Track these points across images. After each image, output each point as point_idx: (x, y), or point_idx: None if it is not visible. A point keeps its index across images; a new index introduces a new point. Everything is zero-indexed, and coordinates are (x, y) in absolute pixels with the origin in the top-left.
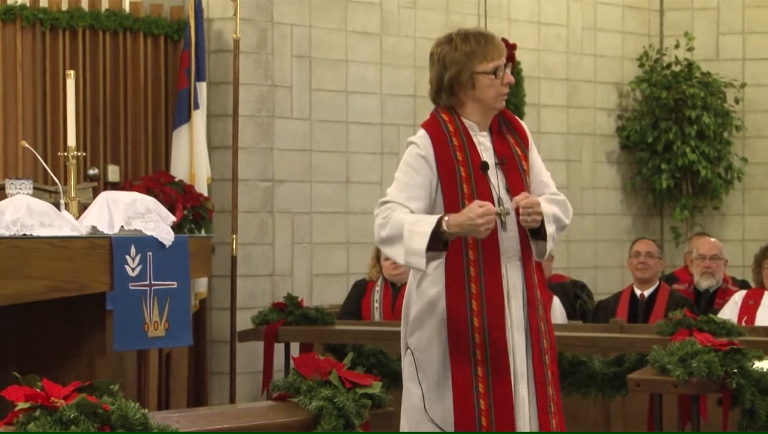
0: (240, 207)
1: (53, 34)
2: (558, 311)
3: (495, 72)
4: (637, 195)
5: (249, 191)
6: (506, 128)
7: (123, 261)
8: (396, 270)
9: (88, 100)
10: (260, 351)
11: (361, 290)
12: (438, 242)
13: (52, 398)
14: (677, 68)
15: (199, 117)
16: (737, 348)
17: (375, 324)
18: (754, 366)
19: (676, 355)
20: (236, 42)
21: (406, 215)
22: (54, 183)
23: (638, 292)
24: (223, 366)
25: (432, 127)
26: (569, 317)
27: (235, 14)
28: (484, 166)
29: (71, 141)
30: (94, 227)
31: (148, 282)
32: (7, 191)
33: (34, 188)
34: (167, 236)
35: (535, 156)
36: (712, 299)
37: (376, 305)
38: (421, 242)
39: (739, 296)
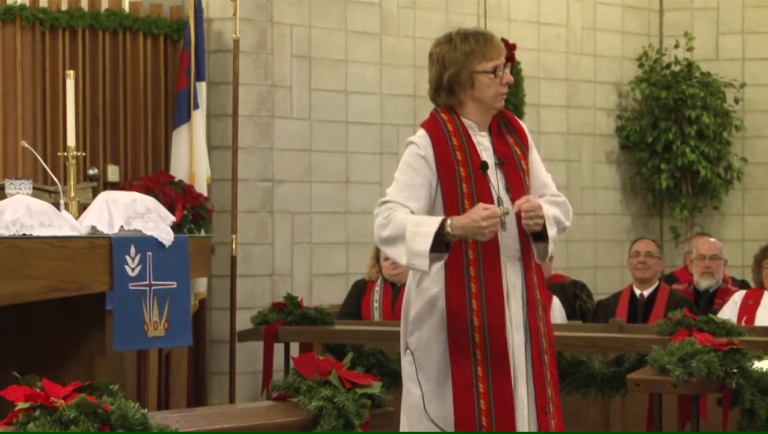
0: (239, 207)
1: (53, 34)
2: (557, 311)
3: (494, 71)
4: (636, 195)
5: (248, 191)
6: (505, 127)
7: (123, 261)
8: (395, 270)
9: (87, 100)
10: (260, 351)
11: (360, 290)
12: (440, 243)
13: (52, 398)
14: (677, 68)
15: (199, 117)
16: (737, 348)
17: (374, 324)
18: (754, 366)
19: (676, 355)
20: (236, 42)
21: (407, 216)
22: (54, 183)
23: (638, 292)
24: (222, 366)
25: (431, 127)
26: (569, 317)
27: (234, 14)
28: (484, 166)
29: (71, 141)
30: (93, 227)
31: (147, 282)
32: (7, 191)
33: (34, 188)
34: (167, 236)
35: (535, 157)
36: (712, 299)
37: (376, 305)
38: (425, 243)
39: (738, 296)
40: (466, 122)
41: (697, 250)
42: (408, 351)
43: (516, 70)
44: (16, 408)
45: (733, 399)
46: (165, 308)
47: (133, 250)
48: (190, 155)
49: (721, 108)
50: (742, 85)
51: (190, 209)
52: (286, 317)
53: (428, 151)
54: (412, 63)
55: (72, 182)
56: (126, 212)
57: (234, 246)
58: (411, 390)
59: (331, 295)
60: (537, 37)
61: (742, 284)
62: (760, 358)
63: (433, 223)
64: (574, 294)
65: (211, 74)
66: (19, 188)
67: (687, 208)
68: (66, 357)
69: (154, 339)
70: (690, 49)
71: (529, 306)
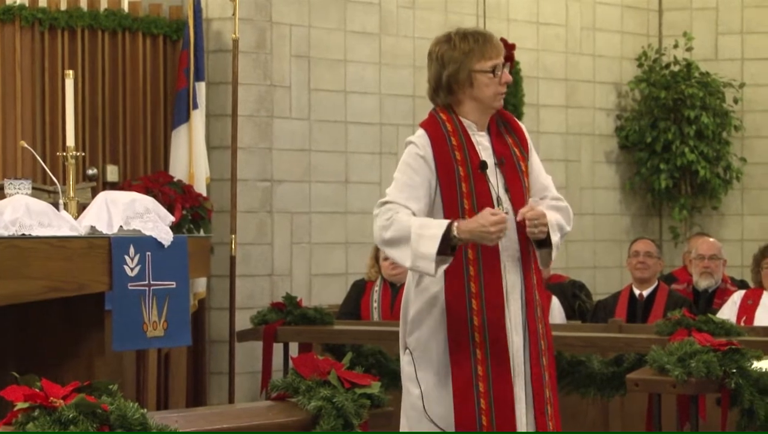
0: (239, 207)
1: (52, 34)
2: (557, 311)
3: (493, 71)
4: (635, 195)
5: (248, 191)
6: (504, 128)
7: (122, 261)
8: (395, 270)
9: (86, 100)
10: (259, 350)
11: (359, 290)
12: (446, 246)
13: (51, 398)
14: (676, 68)
15: (198, 117)
16: (736, 347)
17: (374, 324)
18: (753, 366)
19: (675, 355)
20: (235, 42)
21: (411, 218)
22: (53, 183)
23: (637, 292)
24: (221, 366)
25: (431, 126)
26: (567, 317)
27: (233, 14)
28: (483, 165)
29: (70, 141)
30: (92, 227)
31: (147, 282)
32: (6, 191)
33: (33, 188)
34: (166, 236)
35: (535, 159)
36: (711, 299)
37: (375, 305)
38: (431, 246)
39: (737, 296)
40: (465, 122)
41: (696, 250)
42: (407, 350)
43: (515, 70)
44: (16, 408)
45: (732, 399)
46: (164, 308)
47: (132, 250)
48: (190, 155)
49: (721, 108)
50: (741, 85)
51: (189, 209)
52: (286, 317)
53: (427, 151)
54: (412, 63)
55: (71, 182)
56: (125, 212)
57: (233, 246)
58: (410, 390)
59: (331, 295)
60: (536, 37)
61: (741, 284)
62: (759, 358)
63: (439, 226)
64: (573, 294)
65: (211, 74)
66: (19, 188)
67: (686, 208)
68: (65, 357)
69: (153, 339)
70: (689, 49)
71: (528, 307)
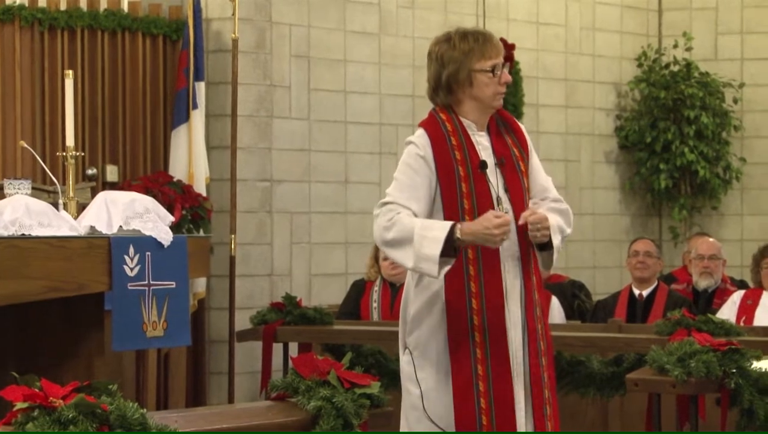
0: (238, 207)
1: (52, 34)
2: (556, 311)
3: (493, 70)
4: (635, 195)
5: (247, 191)
6: (504, 128)
7: (121, 261)
8: (394, 270)
9: (86, 100)
10: (259, 350)
11: (359, 290)
12: (449, 248)
13: (51, 398)
14: (676, 68)
15: (198, 117)
16: (736, 347)
17: (373, 324)
18: (753, 366)
19: (675, 355)
20: (235, 42)
21: (414, 219)
22: (52, 183)
23: (637, 292)
24: (221, 365)
25: (430, 126)
26: (567, 316)
27: (233, 14)
28: (483, 165)
29: (70, 141)
30: (92, 227)
31: (146, 282)
32: (6, 191)
33: (33, 188)
34: (166, 236)
35: (535, 160)
36: (711, 299)
37: (375, 305)
38: (434, 248)
39: (737, 296)
40: (465, 122)
41: (695, 250)
42: (407, 350)
43: (515, 70)
44: (15, 408)
45: (731, 399)
46: (164, 308)
47: (131, 250)
48: (189, 155)
49: (720, 108)
50: (741, 85)
51: (188, 209)
52: (285, 317)
53: (427, 151)
54: (411, 63)
55: (71, 182)
56: (125, 212)
57: (233, 246)
58: (410, 390)
59: (330, 295)
60: (536, 37)
61: (741, 284)
62: (758, 358)
63: (442, 228)
64: (572, 294)
65: (210, 74)
66: (18, 188)
67: (686, 208)
68: (65, 356)
69: (152, 339)
70: (689, 49)
71: (528, 307)
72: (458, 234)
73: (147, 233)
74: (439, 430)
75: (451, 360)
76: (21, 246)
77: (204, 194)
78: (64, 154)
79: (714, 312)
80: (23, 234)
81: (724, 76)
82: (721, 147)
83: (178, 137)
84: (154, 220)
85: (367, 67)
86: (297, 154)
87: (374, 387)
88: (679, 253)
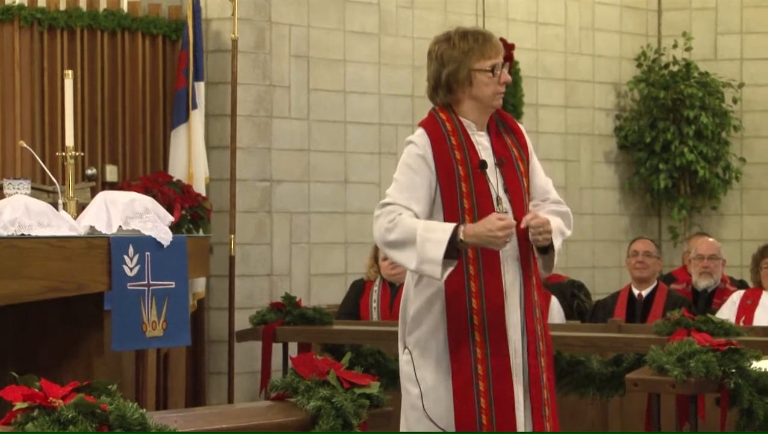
0: (238, 207)
1: (51, 34)
2: (556, 311)
3: (492, 70)
4: (635, 195)
5: (247, 191)
6: (504, 129)
7: (121, 261)
8: (394, 270)
9: (86, 100)
10: (258, 350)
11: (359, 290)
12: (452, 250)
13: (50, 398)
14: (675, 68)
15: (197, 117)
16: (735, 347)
17: (373, 324)
18: (752, 366)
19: (674, 355)
20: (234, 42)
21: (416, 220)
22: (52, 183)
23: (636, 292)
24: (221, 365)
25: (430, 126)
26: (566, 316)
27: (233, 14)
28: (483, 165)
29: (69, 141)
30: (92, 227)
31: (146, 282)
32: (5, 191)
33: (32, 188)
34: (165, 236)
35: (535, 162)
36: (710, 299)
37: (374, 305)
38: (438, 250)
39: (737, 296)
40: (465, 121)
41: (695, 250)
42: (406, 350)
43: (514, 70)
44: (15, 408)
45: (731, 399)
46: (163, 308)
47: (131, 250)
48: (189, 155)
49: (720, 108)
50: (741, 85)
51: (188, 209)
52: (285, 317)
53: (427, 150)
54: (411, 63)
55: (70, 182)
56: (124, 212)
57: (232, 246)
58: (409, 390)
59: (330, 295)
60: (535, 37)
61: (741, 284)
62: (758, 358)
63: (445, 230)
64: (571, 294)
65: (210, 74)
66: (18, 188)
67: (685, 208)
68: (64, 356)
69: (152, 339)
70: (688, 49)
71: (527, 308)
72: (461, 236)
73: (146, 233)
74: (439, 430)
75: (451, 359)
76: (20, 246)
77: (203, 194)
78: (64, 154)
79: (713, 312)
80: (23, 234)
81: (723, 76)
82: (720, 147)
83: (178, 137)
84: (153, 220)
85: (366, 67)
86: (296, 154)
87: (374, 387)
88: (678, 253)
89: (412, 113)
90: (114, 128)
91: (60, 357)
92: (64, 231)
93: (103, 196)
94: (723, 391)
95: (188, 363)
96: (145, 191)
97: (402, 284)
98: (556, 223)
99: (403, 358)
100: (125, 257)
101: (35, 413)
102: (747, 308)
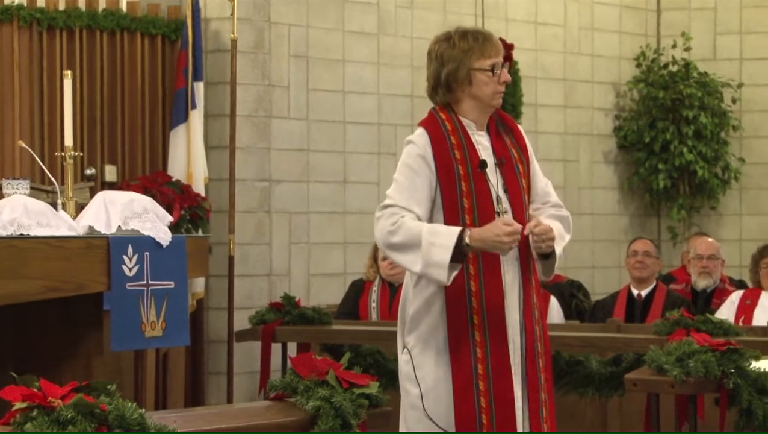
0: (237, 207)
1: (50, 34)
2: (555, 311)
3: (492, 69)
4: (634, 195)
5: (246, 191)
6: (503, 129)
7: (120, 261)
8: (393, 270)
9: (85, 100)
10: (257, 350)
11: (358, 290)
12: (457, 254)
13: (49, 398)
14: (674, 68)
15: (197, 117)
16: (734, 347)
17: (372, 324)
18: (752, 366)
19: (674, 355)
20: (233, 42)
21: (420, 223)
22: (51, 183)
23: (635, 292)
24: (220, 365)
25: (430, 125)
26: (565, 316)
27: (232, 14)
28: (483, 164)
29: (68, 141)
30: (91, 227)
31: (145, 282)
32: (4, 191)
33: (31, 188)
34: (164, 236)
35: (535, 165)
36: (710, 299)
37: (374, 305)
38: (444, 255)
39: (736, 296)
40: (465, 121)
41: (694, 250)
42: (405, 350)
43: (513, 70)
44: (14, 408)
45: (730, 399)
46: (162, 308)
47: (130, 250)
48: (188, 155)
49: (719, 108)
50: (740, 86)
51: (187, 209)
52: (284, 317)
53: (427, 150)
54: (410, 63)
55: (69, 182)
56: (123, 212)
57: (231, 246)
58: (409, 390)
59: (329, 295)
60: (534, 37)
61: (740, 284)
62: (757, 358)
63: (451, 234)
64: (570, 294)
65: (209, 74)
66: (17, 188)
67: (684, 208)
68: (64, 356)
69: (151, 339)
70: (687, 49)
71: (526, 308)
72: (467, 240)
73: (145, 233)
74: (439, 430)
75: (450, 359)
76: (20, 246)
77: (203, 194)
78: (63, 154)
79: (713, 312)
80: (22, 234)
81: (722, 76)
82: (719, 147)
83: (177, 137)
84: (152, 220)
85: (365, 67)
86: (296, 154)
87: (373, 387)
88: (677, 253)
89: (411, 112)
90: (113, 128)
91: (59, 357)
92: (63, 231)
93: (102, 196)
94: (722, 391)
95: (187, 363)
96: (144, 191)
97: (401, 284)
98: (556, 228)
99: (403, 358)
100: (124, 257)
101: (34, 413)
102: (746, 308)
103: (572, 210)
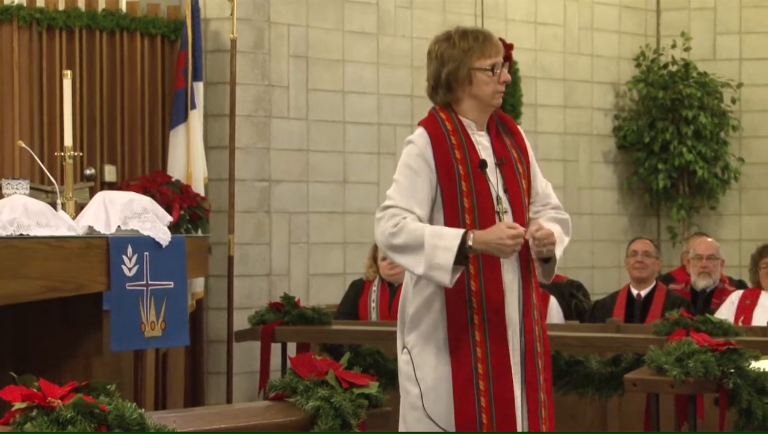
0: (237, 207)
1: (50, 34)
2: (555, 311)
3: (492, 69)
4: (633, 195)
5: (246, 191)
6: (503, 130)
7: (120, 261)
8: (393, 270)
9: (84, 100)
10: (257, 350)
11: (357, 290)
12: (460, 256)
13: (49, 398)
14: (674, 68)
15: (196, 117)
16: (734, 347)
17: (372, 324)
18: (751, 366)
19: (673, 355)
20: (233, 42)
21: (422, 225)
22: (51, 183)
23: (635, 292)
24: (219, 366)
25: (430, 125)
26: (565, 316)
27: (231, 14)
28: (483, 164)
29: (68, 141)
30: (90, 227)
31: (144, 282)
32: (4, 191)
33: (31, 188)
34: (164, 236)
35: (535, 166)
36: (709, 299)
37: (373, 305)
38: (447, 257)
39: (735, 296)
40: (465, 121)
41: (694, 250)
42: (405, 350)
43: (513, 70)
44: (13, 408)
45: (730, 399)
46: (162, 308)
47: (130, 250)
48: (187, 155)
49: (719, 108)
50: (739, 86)
51: (187, 209)
52: (284, 317)
53: (427, 150)
54: (410, 63)
55: (69, 182)
56: (123, 212)
57: (231, 246)
58: (409, 390)
59: (329, 295)
60: (534, 37)
61: (739, 284)
62: (757, 358)
63: (454, 237)
64: (570, 293)
65: (209, 74)
66: (16, 188)
67: (684, 208)
68: (63, 356)
69: (151, 339)
70: (687, 49)
71: (525, 308)
72: (470, 243)
73: (145, 233)
74: (439, 430)
75: (450, 359)
76: (19, 246)
77: (202, 194)
78: (63, 154)
79: (712, 312)
80: (21, 234)
81: (722, 76)
82: (719, 147)
83: (177, 137)
84: (152, 220)
85: (365, 67)
86: (295, 154)
87: (372, 387)
88: (677, 253)
89: (411, 112)
90: (113, 128)
91: (59, 357)
92: (62, 231)
93: (102, 196)
94: (722, 391)
95: (187, 363)
96: (144, 191)
97: (401, 284)
98: (557, 232)
99: (402, 358)
100: (124, 257)
101: (34, 413)
102: (746, 308)
103: (572, 210)
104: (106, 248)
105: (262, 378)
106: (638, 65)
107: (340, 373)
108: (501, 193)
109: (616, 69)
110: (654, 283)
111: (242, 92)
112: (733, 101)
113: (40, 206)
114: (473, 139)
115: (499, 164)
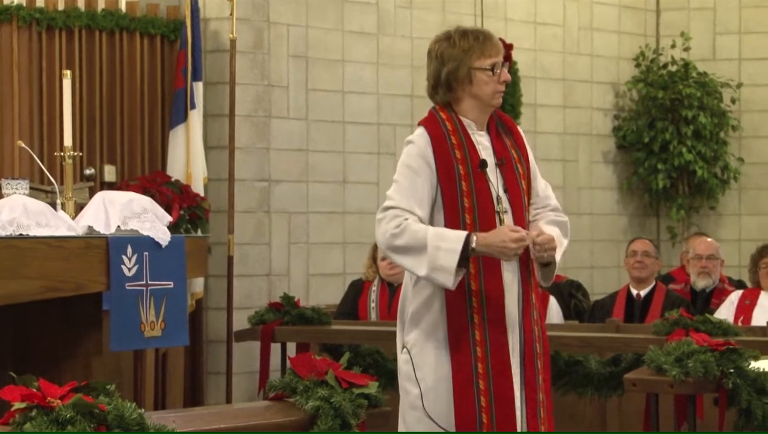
0: (236, 207)
1: (50, 34)
2: (554, 311)
3: (492, 69)
4: (633, 195)
5: (245, 191)
6: (503, 130)
7: (119, 261)
8: (392, 270)
9: (84, 100)
10: (257, 351)
11: (357, 290)
12: (463, 258)
13: (49, 398)
14: (674, 68)
15: (196, 117)
16: (733, 348)
17: (371, 324)
18: (751, 366)
19: (673, 355)
20: (233, 42)
21: (425, 227)
22: (50, 183)
23: (634, 292)
24: (219, 366)
25: (430, 125)
26: (564, 316)
27: (231, 14)
28: (483, 164)
29: (68, 141)
30: (90, 227)
31: (144, 282)
32: (4, 191)
33: (31, 188)
34: (163, 236)
35: (534, 167)
36: (709, 299)
37: (373, 305)
38: (451, 260)
39: (735, 296)
40: (465, 121)
41: (693, 250)
42: (405, 349)
43: (513, 70)
44: (13, 408)
45: (729, 399)
46: (162, 308)
47: (129, 250)
48: (187, 155)
49: (718, 108)
50: (739, 86)
51: (186, 209)
52: (283, 317)
53: (427, 150)
54: (409, 63)
55: (69, 182)
56: (123, 212)
57: (231, 246)
58: (408, 390)
59: (328, 295)
60: (534, 37)
61: (739, 284)
62: (756, 358)
63: (457, 239)
64: (569, 294)
65: (208, 74)
66: (16, 188)
67: (684, 208)
68: (63, 357)
69: (150, 339)
70: (687, 49)
71: (525, 308)
72: (473, 245)
73: (145, 233)
74: (439, 429)
75: (450, 358)
76: (19, 246)
77: (202, 194)
78: (62, 154)
79: (712, 312)
80: (21, 234)
81: (722, 76)
82: (719, 147)
83: (176, 137)
84: (151, 220)
85: (365, 67)
86: (295, 154)
87: (372, 387)
88: (677, 253)
89: (410, 112)
90: (112, 128)
91: (58, 357)
92: (62, 231)
93: (102, 196)
94: (721, 391)
95: (186, 363)
96: (144, 191)
97: (400, 284)
98: (556, 235)
99: (402, 358)
100: (123, 257)
101: (33, 413)
102: (745, 308)
103: (571, 210)
104: (105, 248)
105: (262, 378)
106: (638, 65)
107: (339, 373)
108: (501, 193)
109: (616, 69)
110: (653, 283)
111: (242, 92)
112: (733, 101)
113: (39, 206)
114: (473, 139)
115: (500, 164)
